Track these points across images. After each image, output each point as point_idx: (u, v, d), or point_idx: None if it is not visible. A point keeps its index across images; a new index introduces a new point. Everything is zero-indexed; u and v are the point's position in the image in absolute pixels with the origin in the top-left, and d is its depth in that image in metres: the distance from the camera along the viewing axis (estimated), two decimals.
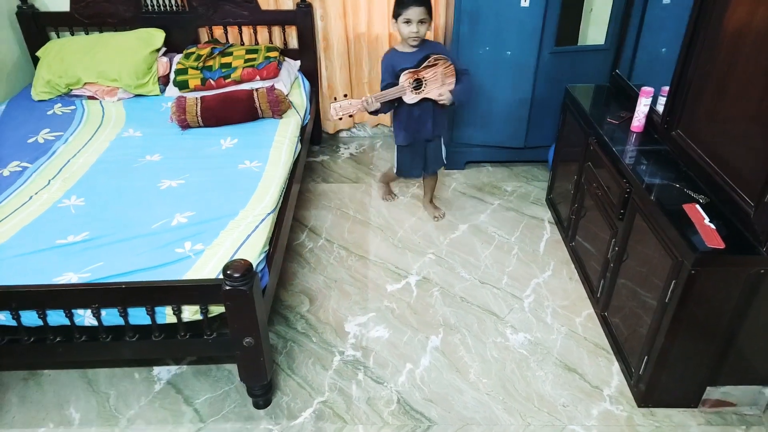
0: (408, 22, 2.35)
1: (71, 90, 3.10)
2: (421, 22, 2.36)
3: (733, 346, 1.80)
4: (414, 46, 2.45)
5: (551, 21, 2.87)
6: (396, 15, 2.39)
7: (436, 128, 2.67)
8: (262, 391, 1.96)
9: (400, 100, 2.49)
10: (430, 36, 2.57)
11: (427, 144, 2.73)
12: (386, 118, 3.68)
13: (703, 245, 1.61)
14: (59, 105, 3.03)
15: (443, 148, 2.80)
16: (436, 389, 2.05)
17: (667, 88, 2.08)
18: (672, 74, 2.02)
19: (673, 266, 1.70)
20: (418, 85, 2.43)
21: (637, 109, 2.24)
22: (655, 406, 1.96)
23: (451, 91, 2.52)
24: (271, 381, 1.97)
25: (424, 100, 2.51)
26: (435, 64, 2.42)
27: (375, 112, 2.49)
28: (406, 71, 2.41)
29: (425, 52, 2.44)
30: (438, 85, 2.47)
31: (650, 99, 2.21)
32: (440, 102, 2.52)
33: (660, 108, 2.16)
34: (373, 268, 2.64)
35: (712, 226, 1.67)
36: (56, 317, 1.77)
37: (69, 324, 1.77)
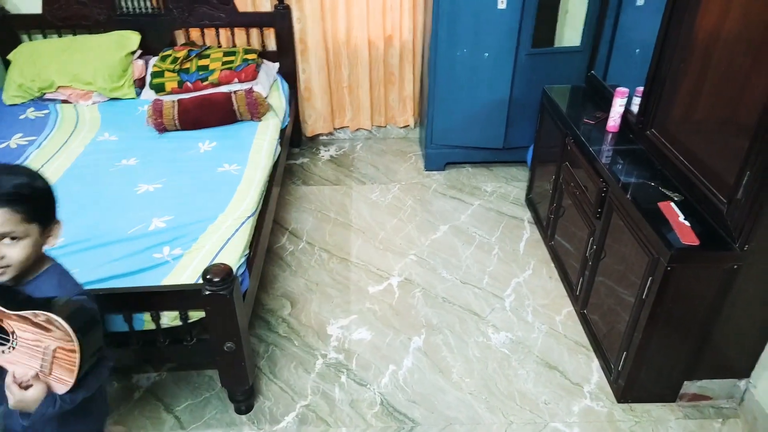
0: None
1: (44, 94, 3.04)
2: (8, 237, 1.12)
3: (708, 341, 1.84)
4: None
5: (528, 23, 2.90)
6: None
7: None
8: (243, 397, 1.94)
9: None
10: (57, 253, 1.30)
11: None
12: (366, 120, 3.68)
13: (678, 242, 1.64)
14: (32, 109, 2.97)
15: None
16: (419, 390, 2.06)
17: (641, 89, 2.12)
18: (646, 75, 2.06)
19: (649, 263, 1.73)
20: (3, 337, 1.13)
21: (612, 109, 2.27)
22: (635, 402, 1.99)
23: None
24: (252, 386, 1.96)
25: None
26: (46, 327, 1.09)
27: None
28: None
29: (43, 293, 1.17)
30: (35, 362, 1.11)
31: (625, 99, 2.24)
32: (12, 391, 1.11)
33: (635, 108, 2.20)
34: (354, 270, 2.63)
35: (687, 223, 1.71)
36: None
37: None
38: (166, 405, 1.99)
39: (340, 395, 2.03)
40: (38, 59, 3.01)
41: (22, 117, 2.89)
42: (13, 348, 1.08)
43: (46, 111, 2.96)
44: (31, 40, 3.23)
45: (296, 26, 3.31)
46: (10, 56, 3.07)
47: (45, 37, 3.23)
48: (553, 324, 2.34)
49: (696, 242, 1.64)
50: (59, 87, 3.02)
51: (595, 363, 2.16)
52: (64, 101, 3.05)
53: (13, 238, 1.11)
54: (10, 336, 1.09)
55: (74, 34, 3.21)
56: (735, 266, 1.65)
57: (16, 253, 1.10)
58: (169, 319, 1.76)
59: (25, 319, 1.06)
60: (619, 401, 2.00)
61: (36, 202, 1.13)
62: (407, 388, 2.06)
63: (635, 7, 2.48)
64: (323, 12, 3.28)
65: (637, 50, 2.49)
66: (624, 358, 1.93)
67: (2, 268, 1.11)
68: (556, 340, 2.26)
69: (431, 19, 2.93)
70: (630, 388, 1.96)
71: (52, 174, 2.40)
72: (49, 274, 1.20)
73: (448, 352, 2.20)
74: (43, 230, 1.16)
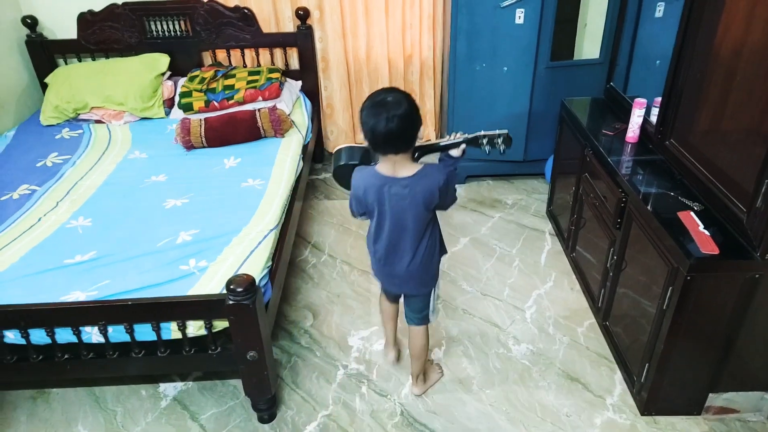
0: None
1: (79, 114, 3.17)
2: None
3: (732, 352, 1.81)
4: None
5: (546, 36, 2.93)
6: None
7: (413, 285, 1.89)
8: (266, 406, 1.98)
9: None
10: None
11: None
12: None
13: (698, 251, 1.63)
14: (67, 129, 3.10)
15: (432, 299, 1.94)
16: (440, 401, 2.06)
17: (660, 99, 2.12)
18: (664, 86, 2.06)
19: (669, 273, 1.72)
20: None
21: (631, 120, 2.28)
22: (658, 414, 1.97)
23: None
24: (275, 395, 1.99)
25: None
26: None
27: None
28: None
29: None
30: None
31: (644, 110, 2.25)
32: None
33: (654, 119, 2.20)
34: (375, 283, 2.64)
35: (707, 232, 1.70)
36: (64, 335, 1.80)
37: (77, 341, 1.81)
38: (191, 413, 2.04)
39: (361, 405, 2.06)
40: (73, 82, 3.15)
41: (57, 137, 3.03)
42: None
43: (80, 131, 3.09)
44: (66, 64, 3.39)
45: (318, 45, 3.40)
46: (47, 79, 3.23)
47: (80, 60, 3.39)
48: (575, 336, 2.32)
49: (716, 251, 1.63)
50: (93, 108, 3.16)
51: (618, 375, 2.13)
52: (98, 121, 3.18)
53: None
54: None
55: (107, 57, 3.36)
56: (756, 275, 1.63)
57: None
58: (195, 328, 1.81)
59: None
60: (642, 414, 1.98)
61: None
62: (427, 399, 2.07)
63: (654, 18, 2.49)
64: (344, 31, 3.36)
65: (658, 62, 2.49)
66: (647, 370, 1.91)
67: None
68: (578, 352, 2.25)
69: (450, 35, 2.98)
70: (653, 400, 1.94)
71: (86, 190, 2.51)
72: None
73: (469, 364, 2.21)
74: None
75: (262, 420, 2.00)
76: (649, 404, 1.95)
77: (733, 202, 1.68)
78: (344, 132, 3.69)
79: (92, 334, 1.81)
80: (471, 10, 2.88)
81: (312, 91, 3.47)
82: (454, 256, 2.83)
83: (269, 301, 2.01)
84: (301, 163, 2.86)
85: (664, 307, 1.77)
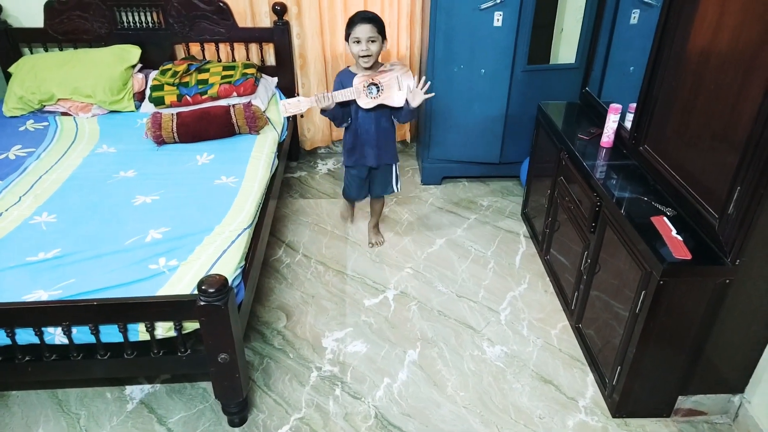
0: (357, 41, 2.31)
1: (44, 106, 3.06)
2: (370, 40, 2.30)
3: (702, 356, 1.84)
4: (366, 67, 2.38)
5: (523, 40, 2.95)
6: (347, 36, 2.35)
7: (382, 156, 2.57)
8: (237, 409, 1.93)
9: (354, 114, 2.45)
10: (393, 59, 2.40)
11: (372, 171, 2.65)
12: None
13: (671, 256, 1.65)
14: (32, 121, 2.99)
15: (394, 174, 2.69)
16: (414, 403, 2.05)
17: (634, 105, 2.15)
18: (639, 92, 2.09)
19: (642, 277, 1.74)
20: (374, 90, 2.36)
21: (606, 125, 2.30)
22: (629, 416, 1.99)
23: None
24: (246, 398, 1.95)
25: (374, 122, 2.46)
26: (391, 69, 2.38)
27: (329, 115, 2.41)
28: (361, 75, 2.36)
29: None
30: (395, 90, 2.38)
31: (618, 115, 2.27)
32: (395, 106, 2.42)
33: (628, 124, 2.23)
34: (350, 283, 2.64)
35: (680, 237, 1.72)
36: (25, 336, 1.73)
37: (39, 343, 1.73)
38: (159, 417, 1.99)
39: (335, 408, 2.03)
40: (39, 72, 3.04)
41: (21, 129, 2.91)
42: (382, 90, 2.37)
43: (45, 123, 2.98)
44: (32, 53, 3.27)
45: (295, 41, 3.36)
46: (11, 69, 3.10)
47: (46, 50, 3.27)
48: (548, 338, 2.34)
49: (688, 256, 1.65)
50: (59, 99, 3.05)
51: (590, 377, 2.16)
52: (64, 114, 3.08)
53: (372, 41, 2.32)
54: (379, 85, 2.37)
55: (75, 47, 3.25)
56: (727, 281, 1.66)
57: (373, 48, 2.33)
58: (164, 329, 1.76)
59: (382, 72, 2.39)
60: (613, 416, 2.00)
61: (382, 25, 2.35)
62: (402, 402, 2.06)
63: (629, 25, 2.52)
64: (322, 28, 3.32)
65: (632, 68, 2.52)
66: (618, 373, 1.93)
67: (369, 56, 2.34)
68: (551, 354, 2.27)
69: (428, 36, 2.98)
70: (624, 402, 1.96)
71: (51, 184, 2.41)
72: (386, 65, 2.43)
73: (443, 366, 2.20)
74: (383, 40, 2.37)
75: (232, 423, 1.95)
76: (621, 406, 1.97)
77: (706, 208, 1.71)
78: (321, 130, 3.65)
79: (55, 335, 1.74)
80: (450, 11, 2.87)
81: (288, 88, 3.42)
82: (429, 257, 2.82)
83: (242, 302, 1.97)
84: (276, 160, 2.82)
85: (637, 311, 1.79)
